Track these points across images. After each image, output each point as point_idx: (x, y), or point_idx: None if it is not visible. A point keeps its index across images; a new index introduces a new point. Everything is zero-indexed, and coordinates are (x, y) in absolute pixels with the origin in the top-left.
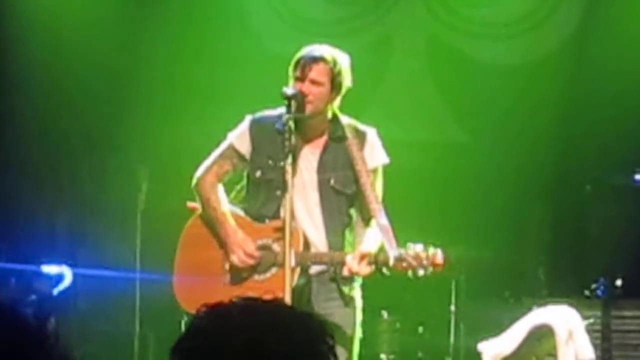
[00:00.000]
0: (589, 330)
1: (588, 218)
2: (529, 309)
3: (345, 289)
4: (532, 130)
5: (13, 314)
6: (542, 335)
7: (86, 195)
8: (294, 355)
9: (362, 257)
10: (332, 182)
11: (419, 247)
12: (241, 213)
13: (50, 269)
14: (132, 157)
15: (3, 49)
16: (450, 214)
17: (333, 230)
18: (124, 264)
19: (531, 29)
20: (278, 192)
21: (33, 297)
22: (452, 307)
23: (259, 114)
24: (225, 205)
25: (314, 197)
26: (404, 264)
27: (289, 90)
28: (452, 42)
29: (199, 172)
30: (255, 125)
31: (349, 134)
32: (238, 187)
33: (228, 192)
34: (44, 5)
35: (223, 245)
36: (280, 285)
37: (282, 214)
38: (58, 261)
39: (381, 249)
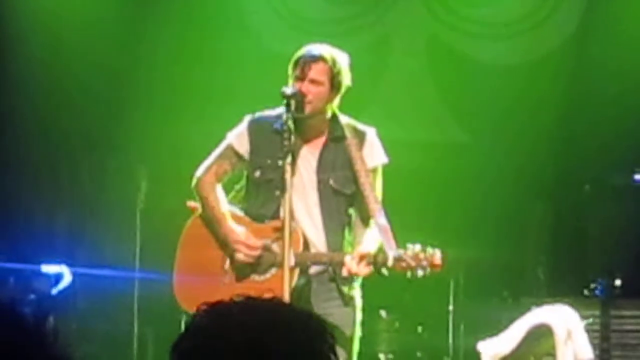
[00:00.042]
0: (588, 330)
1: (587, 218)
2: (528, 309)
3: (345, 289)
4: (532, 130)
5: (12, 313)
6: (541, 335)
7: (86, 195)
8: (294, 354)
9: (361, 258)
10: (331, 182)
11: (417, 248)
12: (240, 213)
13: (49, 268)
14: (132, 157)
15: (3, 49)
16: (450, 213)
17: (332, 230)
18: (123, 263)
19: (531, 28)
20: (277, 192)
21: (32, 296)
22: (451, 307)
23: (258, 114)
24: (225, 206)
25: (313, 197)
26: (403, 265)
27: (289, 89)
28: (451, 42)
29: (198, 172)
30: (254, 126)
31: (348, 133)
32: (237, 187)
33: (227, 192)
34: (44, 5)
35: (224, 245)
36: (280, 286)
37: (281, 214)
38: (57, 261)
39: (380, 250)
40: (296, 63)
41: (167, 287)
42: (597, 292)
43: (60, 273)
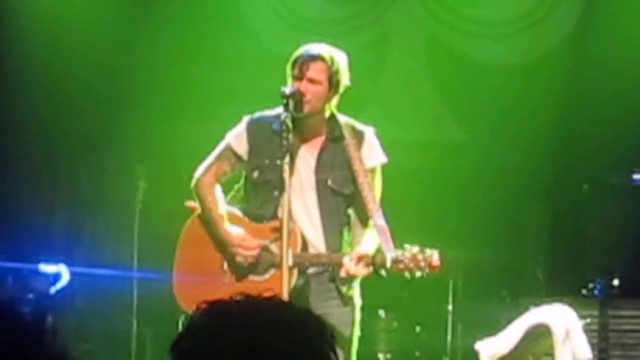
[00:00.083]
0: (586, 330)
1: (586, 218)
2: (526, 309)
3: (344, 289)
4: (531, 129)
5: (10, 312)
6: (540, 334)
7: (85, 195)
8: (294, 353)
9: (360, 259)
10: (329, 182)
11: (415, 249)
12: (239, 214)
13: (48, 267)
14: (131, 157)
15: (3, 49)
16: (449, 213)
17: (331, 230)
18: (122, 262)
19: (530, 28)
20: (276, 193)
21: (30, 295)
22: (450, 307)
23: (256, 115)
24: (223, 206)
25: (312, 197)
26: (401, 266)
27: (287, 89)
28: (450, 42)
29: (197, 173)
30: (252, 126)
31: (346, 133)
32: (236, 187)
33: (227, 191)
34: (44, 5)
35: (222, 247)
36: (279, 286)
37: (280, 214)
38: (56, 260)
39: (378, 250)
40: (294, 62)
41: (165, 287)
42: (595, 292)
43: (59, 272)
